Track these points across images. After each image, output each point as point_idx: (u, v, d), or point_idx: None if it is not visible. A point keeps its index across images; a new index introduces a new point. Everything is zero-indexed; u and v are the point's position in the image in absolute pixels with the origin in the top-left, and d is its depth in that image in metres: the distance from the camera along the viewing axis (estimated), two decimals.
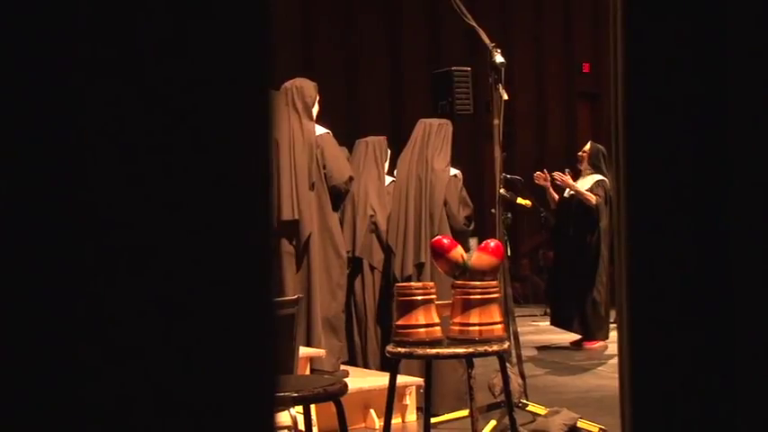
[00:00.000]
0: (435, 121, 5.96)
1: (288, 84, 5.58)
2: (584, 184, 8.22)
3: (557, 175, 8.10)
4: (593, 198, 8.01)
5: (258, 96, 1.07)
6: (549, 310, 9.52)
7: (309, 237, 5.33)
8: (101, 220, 0.98)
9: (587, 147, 8.46)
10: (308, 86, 5.57)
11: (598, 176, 8.13)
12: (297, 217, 5.28)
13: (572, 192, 8.25)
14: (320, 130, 5.54)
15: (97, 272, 0.98)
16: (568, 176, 8.15)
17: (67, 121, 0.97)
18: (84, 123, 0.97)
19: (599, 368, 7.22)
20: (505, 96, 5.15)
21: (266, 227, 1.09)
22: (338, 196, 5.56)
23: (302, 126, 5.42)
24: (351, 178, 5.58)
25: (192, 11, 1.02)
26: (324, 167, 5.46)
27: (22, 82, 0.96)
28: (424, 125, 5.96)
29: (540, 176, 8.19)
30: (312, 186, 5.40)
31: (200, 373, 1.02)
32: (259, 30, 1.06)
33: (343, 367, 5.55)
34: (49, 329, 0.96)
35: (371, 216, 6.02)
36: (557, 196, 8.43)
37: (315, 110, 5.60)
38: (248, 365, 1.05)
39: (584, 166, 8.33)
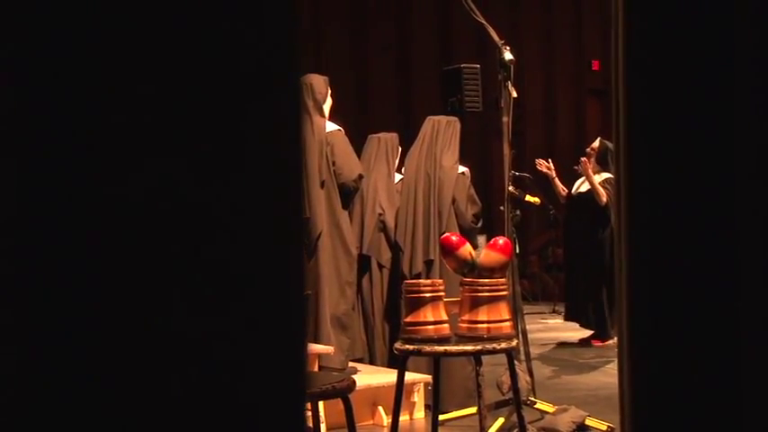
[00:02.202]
0: (444, 119, 5.95)
1: None
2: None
3: (584, 160, 8.01)
4: (603, 197, 7.94)
5: (289, 92, 1.08)
6: (558, 307, 9.50)
7: (320, 235, 5.33)
8: (131, 218, 0.98)
9: (596, 144, 8.36)
10: (318, 82, 5.55)
11: (606, 174, 8.07)
12: (307, 215, 5.28)
13: (580, 190, 8.21)
14: (331, 126, 5.52)
15: (128, 270, 0.98)
16: (589, 166, 8.04)
17: (96, 119, 0.97)
18: (112, 125, 0.98)
19: (607, 366, 7.21)
20: (514, 94, 5.15)
21: (297, 223, 1.10)
22: (347, 194, 5.54)
23: (312, 123, 5.40)
24: (360, 176, 5.57)
25: (222, 6, 1.02)
26: (333, 164, 5.45)
27: (51, 80, 0.96)
28: (432, 122, 5.96)
29: (543, 164, 8.10)
30: (322, 184, 5.39)
31: (234, 368, 1.03)
32: (288, 25, 1.07)
33: (352, 364, 5.55)
34: (85, 324, 0.97)
35: (380, 214, 6.02)
36: (564, 190, 8.37)
37: (328, 104, 5.58)
38: (281, 360, 1.06)
39: (592, 163, 8.24)
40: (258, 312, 1.04)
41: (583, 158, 8.05)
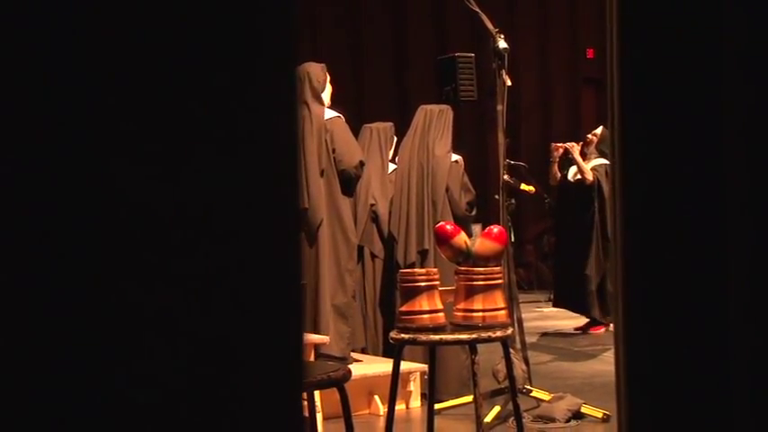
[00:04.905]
0: (436, 108, 5.95)
1: None
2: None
3: (569, 145, 8.15)
4: (589, 175, 8.05)
5: (284, 82, 1.07)
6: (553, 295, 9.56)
7: (320, 224, 5.31)
8: (128, 209, 0.98)
9: (598, 130, 8.41)
10: (315, 70, 5.51)
11: (602, 161, 8.13)
12: (306, 206, 5.23)
13: (577, 176, 8.24)
14: (330, 113, 5.48)
15: (126, 261, 0.98)
16: (578, 149, 8.18)
17: (91, 111, 0.97)
18: (114, 115, 0.98)
19: (603, 354, 7.23)
20: (509, 82, 5.14)
21: (294, 212, 1.10)
22: (348, 181, 5.48)
23: (311, 112, 5.37)
24: (362, 162, 5.53)
25: None
26: (333, 151, 5.42)
27: (45, 82, 0.96)
28: (424, 112, 5.96)
29: (558, 147, 8.25)
30: (322, 173, 5.37)
31: (230, 357, 1.03)
32: (285, 12, 1.06)
33: (354, 354, 5.55)
34: (90, 304, 0.97)
35: (372, 205, 6.01)
36: (559, 174, 8.41)
37: (327, 91, 5.55)
38: (278, 349, 1.06)
39: (591, 149, 8.31)
40: (255, 302, 1.04)
41: (570, 143, 8.19)
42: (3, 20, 0.95)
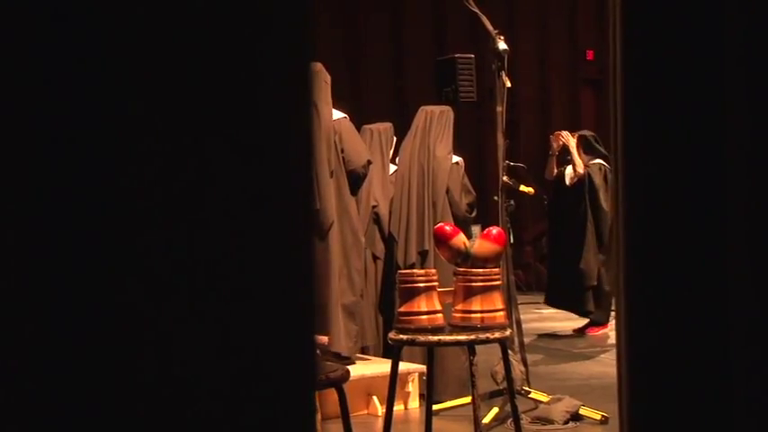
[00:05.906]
0: (437, 109, 5.94)
1: None
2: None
3: (564, 135, 8.18)
4: (580, 168, 8.07)
5: (301, 75, 1.07)
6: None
7: (331, 225, 5.31)
8: (145, 209, 0.98)
9: (566, 136, 8.43)
10: (323, 69, 5.50)
11: (597, 160, 8.21)
12: (318, 207, 5.23)
13: (574, 180, 8.24)
14: (337, 114, 5.49)
15: (145, 259, 0.98)
16: (574, 141, 8.20)
17: (111, 112, 0.97)
18: (125, 115, 0.97)
19: (601, 355, 7.23)
20: (508, 83, 5.14)
21: (308, 213, 1.10)
22: (356, 180, 5.50)
23: (319, 113, 5.36)
24: (369, 162, 5.54)
25: None
26: (342, 152, 5.43)
27: (59, 86, 0.96)
28: (425, 113, 5.95)
29: (559, 136, 8.27)
30: (331, 174, 5.37)
31: (244, 356, 1.03)
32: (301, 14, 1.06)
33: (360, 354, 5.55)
34: (90, 321, 0.97)
35: (374, 207, 6.01)
36: (556, 170, 8.41)
37: None
38: (290, 349, 1.06)
39: (581, 153, 8.36)
40: (267, 301, 1.04)
41: (565, 132, 8.22)
42: (11, 18, 0.95)
